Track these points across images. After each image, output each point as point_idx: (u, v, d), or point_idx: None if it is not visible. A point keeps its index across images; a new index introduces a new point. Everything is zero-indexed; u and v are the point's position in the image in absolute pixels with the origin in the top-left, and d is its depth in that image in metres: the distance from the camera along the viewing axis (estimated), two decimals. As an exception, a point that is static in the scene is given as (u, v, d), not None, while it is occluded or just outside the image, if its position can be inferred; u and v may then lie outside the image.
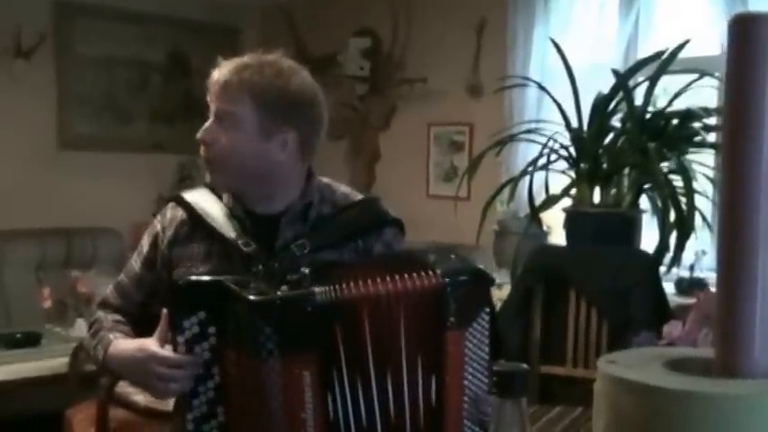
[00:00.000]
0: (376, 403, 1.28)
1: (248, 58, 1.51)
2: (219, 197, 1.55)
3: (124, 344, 1.47)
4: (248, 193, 1.53)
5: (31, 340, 3.24)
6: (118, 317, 1.58)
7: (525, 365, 0.86)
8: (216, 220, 1.51)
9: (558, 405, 2.65)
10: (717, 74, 2.85)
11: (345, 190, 1.61)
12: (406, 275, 1.28)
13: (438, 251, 1.44)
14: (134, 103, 4.76)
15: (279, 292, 1.26)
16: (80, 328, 3.27)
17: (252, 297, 1.25)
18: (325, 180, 1.61)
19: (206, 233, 1.51)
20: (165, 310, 1.36)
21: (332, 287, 1.26)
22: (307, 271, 1.30)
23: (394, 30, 4.42)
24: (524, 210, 3.38)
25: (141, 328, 1.55)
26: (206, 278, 1.37)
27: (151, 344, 1.37)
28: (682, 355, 0.86)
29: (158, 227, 1.57)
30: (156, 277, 1.56)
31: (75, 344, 2.96)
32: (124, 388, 2.81)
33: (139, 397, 2.82)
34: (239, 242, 1.46)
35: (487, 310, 1.36)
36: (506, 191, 3.14)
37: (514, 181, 3.04)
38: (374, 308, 1.27)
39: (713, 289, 2.09)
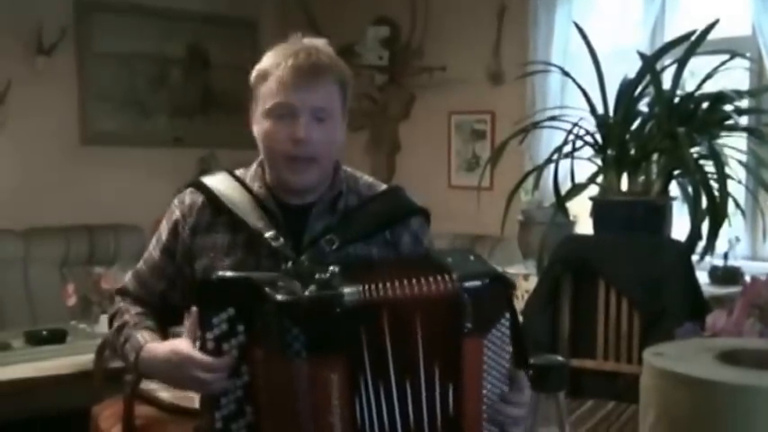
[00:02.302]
0: (397, 411, 1.25)
1: (303, 43, 1.47)
2: (243, 184, 1.50)
3: (156, 347, 1.43)
4: (315, 185, 1.49)
5: (56, 337, 3.26)
6: (139, 308, 1.54)
7: (561, 359, 0.84)
8: (240, 208, 1.47)
9: (590, 399, 2.60)
10: (748, 54, 2.78)
11: (368, 179, 1.58)
12: (422, 279, 1.25)
13: (458, 253, 1.39)
14: (154, 98, 4.76)
15: (307, 293, 1.23)
16: (104, 324, 3.26)
17: (280, 297, 1.23)
18: (349, 169, 1.58)
19: (229, 222, 1.47)
20: (193, 308, 1.33)
21: (359, 288, 1.23)
22: (336, 269, 1.26)
23: (412, 17, 4.36)
24: (549, 199, 3.33)
25: (161, 316, 1.54)
26: (235, 274, 1.34)
27: (184, 345, 1.34)
28: (732, 346, 0.83)
29: (177, 213, 1.52)
30: (177, 266, 1.53)
31: (101, 341, 2.96)
32: (149, 385, 2.82)
33: (165, 394, 2.83)
34: (267, 235, 1.43)
35: (508, 315, 1.30)
36: (530, 180, 3.09)
37: (539, 169, 2.99)
38: (393, 312, 1.24)
39: (758, 276, 2.01)
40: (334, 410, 1.22)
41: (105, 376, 2.93)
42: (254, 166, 1.55)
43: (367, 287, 1.23)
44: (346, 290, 1.23)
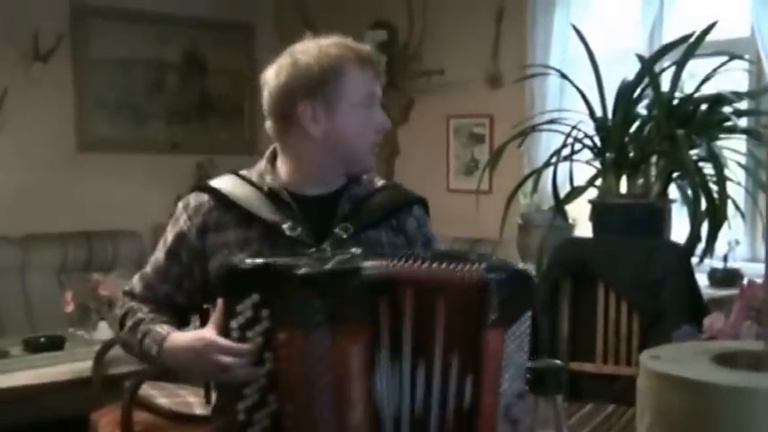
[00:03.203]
0: (408, 394, 1.26)
1: (344, 39, 1.53)
2: (249, 181, 1.53)
3: (179, 336, 1.45)
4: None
5: (55, 344, 3.25)
6: (151, 306, 1.55)
7: (559, 362, 0.85)
8: (251, 204, 1.49)
9: (589, 402, 2.59)
10: (747, 56, 2.77)
11: (366, 175, 1.63)
12: (450, 265, 1.28)
13: (478, 252, 1.44)
14: (151, 104, 4.76)
15: (328, 265, 1.27)
16: (103, 331, 3.27)
17: (301, 271, 1.26)
18: None
19: (240, 218, 1.49)
20: (219, 300, 1.33)
21: (381, 263, 1.27)
22: (358, 251, 1.33)
23: (410, 21, 4.36)
24: (548, 202, 3.32)
25: (173, 317, 1.55)
26: (259, 261, 1.34)
27: (209, 333, 1.35)
28: (728, 348, 0.83)
29: (184, 216, 1.53)
30: (183, 269, 1.53)
31: (99, 347, 2.96)
32: (148, 391, 2.81)
33: (163, 400, 2.83)
34: (284, 226, 1.45)
35: (530, 312, 1.32)
36: (529, 183, 3.09)
37: (537, 172, 2.99)
38: (416, 292, 1.26)
39: (755, 279, 2.01)
40: (354, 386, 1.24)
41: (104, 383, 2.93)
42: (263, 162, 1.56)
43: (391, 263, 1.27)
44: (366, 263, 1.26)
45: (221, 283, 1.34)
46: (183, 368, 1.50)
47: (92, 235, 4.26)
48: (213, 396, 1.54)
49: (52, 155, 4.38)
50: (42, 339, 3.27)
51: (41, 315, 3.87)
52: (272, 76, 1.50)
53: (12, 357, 3.15)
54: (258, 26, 5.02)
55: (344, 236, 1.46)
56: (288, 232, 1.45)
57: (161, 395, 2.85)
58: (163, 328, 1.48)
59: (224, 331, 1.32)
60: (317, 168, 1.52)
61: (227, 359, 1.30)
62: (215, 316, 1.36)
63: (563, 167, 2.96)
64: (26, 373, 3.03)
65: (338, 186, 1.54)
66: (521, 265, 1.42)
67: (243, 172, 1.57)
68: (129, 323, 1.54)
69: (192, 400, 2.80)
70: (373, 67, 1.51)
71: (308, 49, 1.49)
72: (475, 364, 1.26)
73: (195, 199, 1.54)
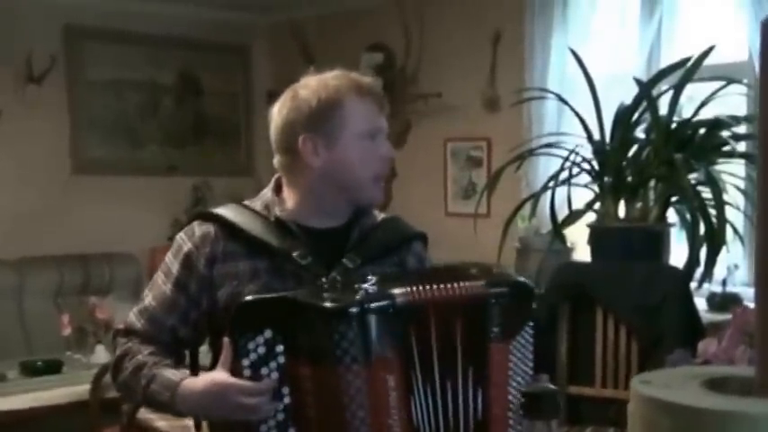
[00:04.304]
0: (441, 412, 1.29)
1: (350, 73, 1.53)
2: (254, 211, 1.52)
3: (194, 382, 1.40)
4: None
5: (52, 368, 3.22)
6: (151, 347, 1.50)
7: (553, 386, 0.86)
8: (258, 233, 1.48)
9: (589, 426, 2.58)
10: (745, 81, 2.79)
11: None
12: (453, 284, 1.31)
13: (479, 266, 1.45)
14: (146, 126, 4.74)
15: (357, 296, 1.27)
16: (100, 354, 3.25)
17: (328, 304, 1.26)
18: None
19: (247, 249, 1.47)
20: (225, 339, 1.32)
21: (408, 289, 1.29)
22: (374, 279, 1.33)
23: (407, 44, 4.38)
24: (546, 226, 3.32)
25: (172, 355, 1.51)
26: (269, 295, 1.35)
27: (222, 375, 1.33)
28: (720, 373, 0.84)
29: (189, 245, 1.50)
30: (191, 300, 1.50)
31: (97, 370, 2.93)
32: (146, 414, 2.79)
33: (162, 423, 2.80)
34: (294, 254, 1.44)
35: (531, 324, 1.37)
36: (527, 207, 3.10)
37: (536, 196, 2.99)
38: (437, 313, 1.29)
39: (748, 304, 2.02)
40: (392, 412, 1.25)
41: (102, 406, 2.91)
42: (269, 193, 1.55)
43: (414, 288, 1.29)
44: (396, 291, 1.28)
45: (231, 321, 1.32)
46: (201, 414, 1.45)
47: (88, 258, 4.23)
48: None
49: (47, 177, 4.36)
50: (39, 363, 3.24)
51: (38, 338, 3.84)
52: (276, 111, 1.53)
53: (9, 381, 3.12)
54: (253, 47, 5.03)
55: (351, 266, 1.46)
56: (298, 260, 1.44)
57: (159, 418, 2.83)
58: (172, 374, 1.43)
59: (235, 371, 1.30)
60: (321, 200, 1.51)
61: (246, 400, 1.29)
62: (222, 358, 1.33)
63: (561, 191, 2.96)
64: (23, 397, 2.99)
65: (346, 220, 1.53)
66: (521, 279, 1.46)
67: (246, 202, 1.56)
68: (128, 366, 1.48)
69: (190, 423, 2.77)
70: (376, 99, 1.50)
71: (309, 83, 1.51)
72: (484, 378, 1.30)
73: (200, 228, 1.51)
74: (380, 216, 1.61)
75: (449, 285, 1.30)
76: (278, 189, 1.56)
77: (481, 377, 1.30)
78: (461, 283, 1.31)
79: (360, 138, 1.48)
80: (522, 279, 1.43)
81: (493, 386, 1.30)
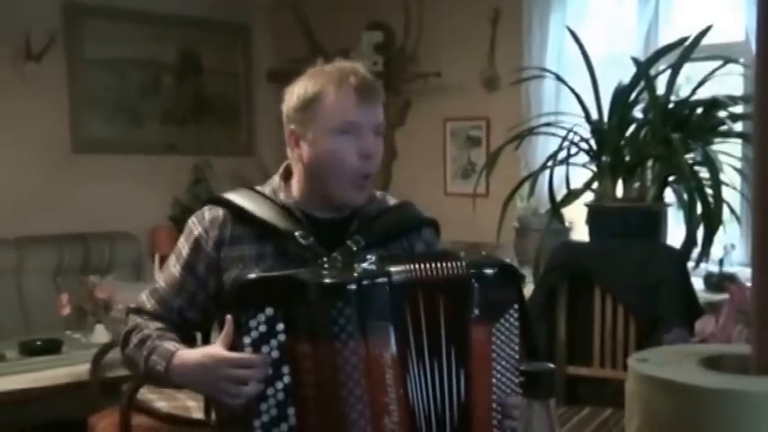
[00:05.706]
0: (430, 391, 1.30)
1: (345, 65, 1.52)
2: (265, 196, 1.53)
3: (188, 353, 1.42)
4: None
5: (51, 347, 3.23)
6: (158, 323, 1.53)
7: (552, 365, 0.85)
8: (266, 218, 1.49)
9: (587, 406, 2.60)
10: (742, 60, 2.78)
11: (379, 193, 1.64)
12: (437, 264, 1.32)
13: (471, 252, 1.46)
14: (146, 105, 4.73)
15: (355, 274, 1.28)
16: (100, 334, 3.26)
17: (327, 280, 1.28)
18: None
19: (255, 234, 1.49)
20: (228, 316, 1.32)
21: (405, 266, 1.30)
22: (374, 258, 1.34)
23: (406, 23, 4.36)
24: (545, 205, 3.32)
25: (180, 333, 1.53)
26: (272, 273, 1.35)
27: (218, 348, 1.33)
28: (717, 352, 0.84)
29: (199, 229, 1.53)
30: (198, 282, 1.52)
31: (96, 350, 2.95)
32: (146, 394, 2.81)
33: (162, 403, 2.82)
34: (296, 234, 1.45)
35: (516, 307, 1.37)
36: (526, 186, 3.09)
37: (534, 176, 2.99)
38: (425, 291, 1.31)
39: (746, 283, 2.02)
40: (389, 390, 1.26)
41: (102, 386, 2.92)
42: (276, 179, 1.57)
43: (408, 266, 1.30)
44: (393, 268, 1.29)
45: (232, 298, 1.33)
46: (192, 386, 1.45)
47: (87, 237, 4.23)
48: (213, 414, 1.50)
49: (47, 156, 4.35)
50: (39, 343, 3.25)
51: (37, 318, 3.85)
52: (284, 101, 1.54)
53: (8, 361, 3.13)
54: (254, 27, 5.00)
55: (355, 248, 1.46)
56: (300, 240, 1.45)
57: (159, 399, 2.85)
58: (171, 345, 1.46)
59: (236, 348, 1.30)
60: (316, 193, 1.52)
61: (238, 372, 1.29)
62: (223, 333, 1.33)
63: (559, 171, 2.95)
64: (23, 377, 2.99)
65: (348, 211, 1.53)
66: (507, 260, 1.46)
67: (257, 188, 1.57)
68: (134, 339, 1.51)
69: (191, 404, 2.80)
70: (361, 93, 1.44)
71: (306, 74, 1.51)
72: (465, 360, 1.31)
73: (210, 213, 1.54)
74: (392, 201, 1.62)
75: (432, 264, 1.32)
76: (287, 175, 1.57)
77: (463, 358, 1.31)
78: (444, 263, 1.32)
79: (331, 133, 1.45)
80: (506, 261, 1.43)
81: (475, 369, 1.31)
